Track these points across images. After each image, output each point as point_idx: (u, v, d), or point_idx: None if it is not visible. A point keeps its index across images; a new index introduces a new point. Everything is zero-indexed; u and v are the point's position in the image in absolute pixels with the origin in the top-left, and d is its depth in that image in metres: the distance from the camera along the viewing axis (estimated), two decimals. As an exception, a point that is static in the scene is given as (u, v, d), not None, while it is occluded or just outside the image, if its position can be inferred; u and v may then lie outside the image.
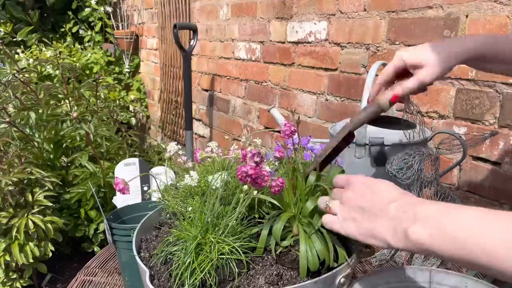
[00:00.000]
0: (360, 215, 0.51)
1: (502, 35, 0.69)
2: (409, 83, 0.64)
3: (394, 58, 0.66)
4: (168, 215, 0.75)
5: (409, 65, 0.65)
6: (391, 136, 0.92)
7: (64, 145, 1.92)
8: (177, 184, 0.78)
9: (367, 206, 0.51)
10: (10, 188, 1.52)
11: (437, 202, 0.47)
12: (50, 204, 1.62)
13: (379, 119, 1.08)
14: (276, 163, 0.74)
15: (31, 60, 2.91)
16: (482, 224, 0.41)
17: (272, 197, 0.64)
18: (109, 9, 3.56)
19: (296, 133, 0.66)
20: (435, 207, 0.45)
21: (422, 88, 0.65)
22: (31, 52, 3.19)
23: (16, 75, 1.85)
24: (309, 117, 1.69)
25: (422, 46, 0.65)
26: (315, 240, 0.60)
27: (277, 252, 0.62)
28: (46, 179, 1.61)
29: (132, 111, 3.44)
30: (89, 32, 3.58)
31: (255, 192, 0.59)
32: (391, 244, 0.47)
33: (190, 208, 0.68)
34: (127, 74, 3.54)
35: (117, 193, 0.84)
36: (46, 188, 1.63)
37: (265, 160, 0.62)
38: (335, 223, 0.55)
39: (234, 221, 0.63)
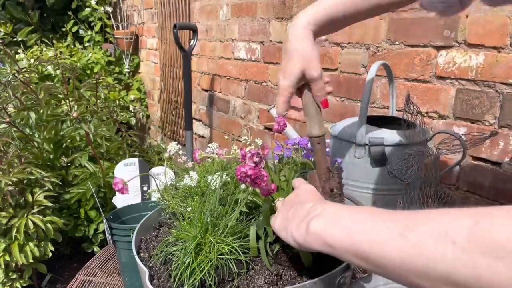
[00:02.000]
0: (286, 212, 0.54)
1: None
2: (316, 87, 0.66)
3: (280, 92, 0.67)
4: (167, 215, 0.75)
5: (297, 84, 0.66)
6: (391, 136, 0.92)
7: (64, 145, 1.92)
8: (177, 184, 0.78)
9: (295, 205, 0.53)
10: (10, 188, 1.52)
11: (347, 206, 0.47)
12: (50, 204, 1.62)
13: (379, 119, 1.08)
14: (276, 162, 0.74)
15: (31, 61, 2.91)
16: (373, 214, 0.41)
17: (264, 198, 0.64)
18: (109, 9, 3.56)
19: (287, 127, 0.68)
20: (338, 206, 0.47)
21: (323, 79, 0.66)
22: (32, 52, 3.19)
23: (16, 75, 1.85)
24: (309, 117, 1.69)
25: (287, 63, 0.66)
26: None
27: (273, 252, 0.62)
28: (46, 179, 1.61)
29: (132, 111, 3.44)
30: (89, 32, 3.58)
31: (249, 188, 0.60)
32: (294, 235, 0.48)
33: (189, 208, 0.68)
34: (127, 74, 3.54)
35: (117, 193, 0.84)
36: (46, 188, 1.63)
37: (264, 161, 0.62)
38: (272, 219, 0.57)
39: (234, 221, 0.63)
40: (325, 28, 0.66)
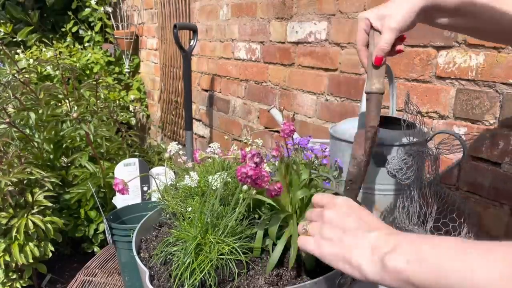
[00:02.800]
0: (339, 237, 0.48)
1: None
2: (384, 36, 0.62)
3: (358, 22, 0.65)
4: (168, 216, 0.75)
5: (373, 20, 0.64)
6: (391, 136, 0.92)
7: (64, 145, 1.92)
8: (177, 184, 0.78)
9: (350, 228, 0.48)
10: (10, 188, 1.52)
11: (418, 234, 0.45)
12: (50, 204, 1.62)
13: (380, 119, 1.08)
14: (276, 163, 0.74)
15: (31, 61, 2.91)
16: (462, 249, 0.38)
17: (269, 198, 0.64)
18: (109, 9, 3.56)
19: (295, 133, 0.67)
20: (415, 237, 0.43)
21: (397, 36, 0.63)
22: (31, 53, 3.19)
23: (16, 75, 1.85)
24: (309, 117, 1.69)
25: (384, 4, 0.64)
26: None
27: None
28: (46, 179, 1.61)
29: (132, 111, 3.44)
30: (89, 32, 3.58)
31: (254, 191, 0.59)
32: (365, 271, 0.44)
33: (190, 209, 0.68)
34: (127, 74, 3.54)
35: (117, 193, 0.84)
36: (46, 188, 1.63)
37: (264, 161, 0.62)
38: (310, 244, 0.51)
39: (234, 222, 0.63)
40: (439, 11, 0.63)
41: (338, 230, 0.49)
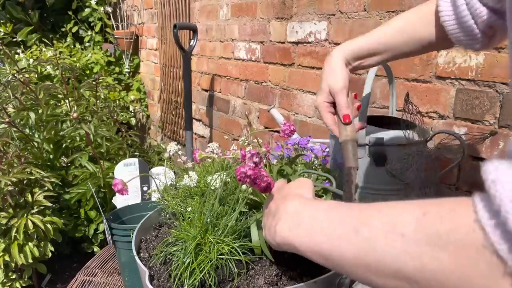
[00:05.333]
0: (265, 209, 0.54)
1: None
2: (337, 102, 0.69)
3: (319, 108, 0.73)
4: (167, 215, 0.75)
5: (327, 99, 0.71)
6: (391, 136, 0.92)
7: (64, 145, 1.92)
8: (177, 184, 0.78)
9: (267, 203, 0.53)
10: (10, 188, 1.52)
11: (307, 201, 0.46)
12: (50, 204, 1.62)
13: (379, 119, 1.08)
14: (274, 162, 0.74)
15: (31, 61, 2.90)
16: (329, 215, 0.40)
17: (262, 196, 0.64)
18: (109, 9, 3.56)
19: (295, 133, 0.67)
20: (299, 203, 0.46)
21: (347, 94, 0.70)
22: (31, 53, 3.19)
23: (16, 75, 1.85)
24: (309, 117, 1.69)
25: (321, 84, 0.73)
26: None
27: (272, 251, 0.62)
28: (46, 179, 1.61)
29: (132, 111, 3.44)
30: (89, 32, 3.58)
31: (250, 190, 0.59)
32: (269, 239, 0.48)
33: (189, 209, 0.68)
34: (127, 74, 3.54)
35: (117, 193, 0.84)
36: (46, 188, 1.63)
37: (264, 161, 0.62)
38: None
39: (233, 221, 0.63)
40: (359, 59, 0.72)
41: (266, 205, 0.54)
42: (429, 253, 0.30)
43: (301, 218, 0.44)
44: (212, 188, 0.67)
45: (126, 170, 1.25)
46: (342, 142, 0.69)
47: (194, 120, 2.67)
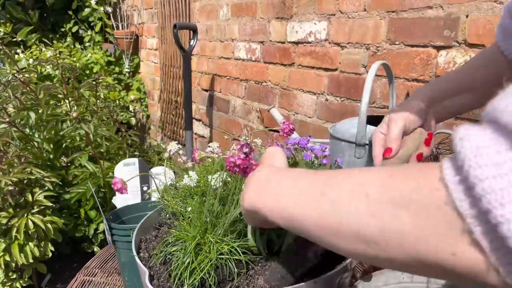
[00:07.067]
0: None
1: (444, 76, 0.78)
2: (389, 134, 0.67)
3: (373, 138, 0.71)
4: (167, 215, 0.75)
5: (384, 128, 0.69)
6: (391, 136, 0.92)
7: (64, 145, 1.92)
8: (177, 184, 0.78)
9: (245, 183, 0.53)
10: (10, 188, 1.52)
11: (279, 170, 0.46)
12: (50, 204, 1.62)
13: (379, 119, 1.08)
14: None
15: (31, 60, 2.90)
16: (298, 180, 0.40)
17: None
18: (109, 9, 3.56)
19: (295, 132, 0.67)
20: (270, 171, 0.45)
21: (403, 129, 0.67)
22: (31, 52, 3.19)
23: (16, 75, 1.85)
24: (309, 117, 1.69)
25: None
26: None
27: (274, 250, 0.62)
28: (46, 179, 1.61)
29: (132, 111, 3.44)
30: (89, 32, 3.58)
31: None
32: (242, 211, 0.48)
33: (189, 208, 0.68)
34: (127, 74, 3.54)
35: (117, 193, 0.84)
36: (46, 188, 1.63)
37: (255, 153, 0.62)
38: None
39: (233, 221, 0.62)
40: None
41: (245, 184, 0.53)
42: (390, 212, 0.29)
43: (269, 184, 0.43)
44: (212, 187, 0.67)
45: (126, 170, 1.25)
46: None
47: (194, 120, 2.67)
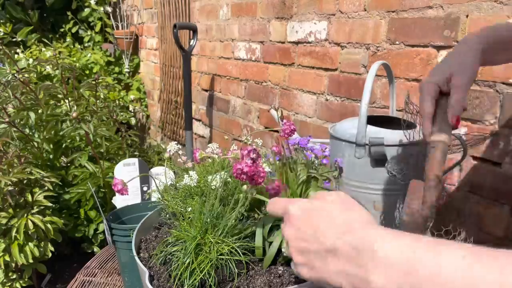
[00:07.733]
0: (306, 259, 0.40)
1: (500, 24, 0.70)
2: (455, 96, 0.59)
3: (423, 88, 0.62)
4: (167, 216, 0.75)
5: (441, 83, 0.61)
6: (391, 136, 0.92)
7: (64, 145, 1.92)
8: (177, 184, 0.78)
9: (308, 248, 0.40)
10: (10, 188, 1.51)
11: (400, 234, 0.35)
12: (50, 204, 1.62)
13: (379, 119, 1.08)
14: (277, 162, 0.73)
15: (30, 60, 2.90)
16: (470, 272, 0.30)
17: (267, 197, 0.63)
18: (109, 9, 3.56)
19: (296, 132, 0.66)
20: (401, 243, 0.34)
21: (466, 93, 0.61)
22: (31, 52, 3.19)
23: (15, 75, 1.85)
24: (309, 117, 1.69)
25: (441, 63, 0.63)
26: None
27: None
28: (46, 179, 1.61)
29: (132, 111, 3.44)
30: (89, 32, 3.58)
31: (254, 191, 0.59)
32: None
33: (189, 209, 0.68)
34: (127, 74, 3.54)
35: (117, 193, 0.84)
36: (46, 188, 1.63)
37: (263, 159, 0.62)
38: (282, 227, 0.45)
39: (233, 221, 0.62)
40: (494, 49, 0.63)
41: (299, 251, 0.41)
42: None
43: (417, 270, 0.32)
44: (212, 188, 0.67)
45: (125, 170, 1.25)
46: (432, 143, 0.59)
47: (194, 120, 2.67)
